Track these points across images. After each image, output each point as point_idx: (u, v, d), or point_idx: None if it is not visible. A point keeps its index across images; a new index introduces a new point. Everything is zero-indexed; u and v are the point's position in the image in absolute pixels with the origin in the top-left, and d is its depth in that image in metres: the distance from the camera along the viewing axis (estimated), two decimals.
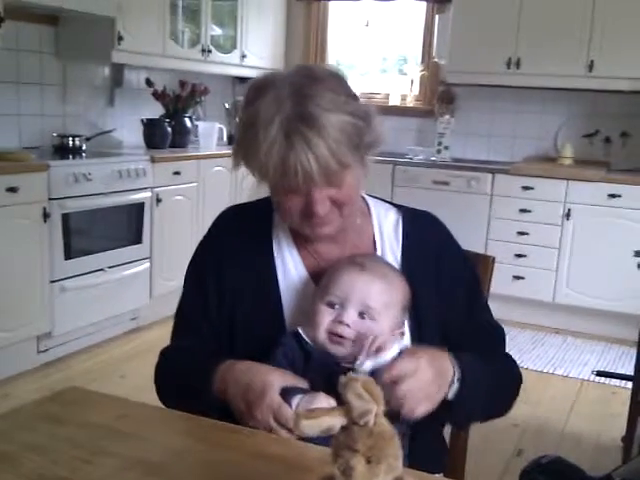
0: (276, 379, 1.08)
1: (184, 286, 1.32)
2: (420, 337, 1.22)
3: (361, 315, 1.15)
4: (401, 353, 1.09)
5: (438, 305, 1.24)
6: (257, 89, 1.12)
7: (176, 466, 0.96)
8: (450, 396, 1.11)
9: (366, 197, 1.32)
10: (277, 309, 1.23)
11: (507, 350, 1.32)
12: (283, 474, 0.95)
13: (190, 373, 1.19)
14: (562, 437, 2.92)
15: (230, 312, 1.25)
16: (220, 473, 0.95)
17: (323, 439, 0.85)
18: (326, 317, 1.15)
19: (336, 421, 0.81)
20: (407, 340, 1.20)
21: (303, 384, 1.10)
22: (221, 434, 1.06)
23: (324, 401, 1.04)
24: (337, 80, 1.14)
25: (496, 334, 1.31)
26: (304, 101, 1.07)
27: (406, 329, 1.21)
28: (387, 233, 1.28)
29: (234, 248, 1.27)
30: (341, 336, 1.13)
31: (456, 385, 1.11)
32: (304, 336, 1.16)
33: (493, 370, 1.20)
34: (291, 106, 1.07)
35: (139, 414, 1.13)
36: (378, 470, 0.79)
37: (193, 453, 1.01)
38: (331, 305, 1.16)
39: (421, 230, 1.29)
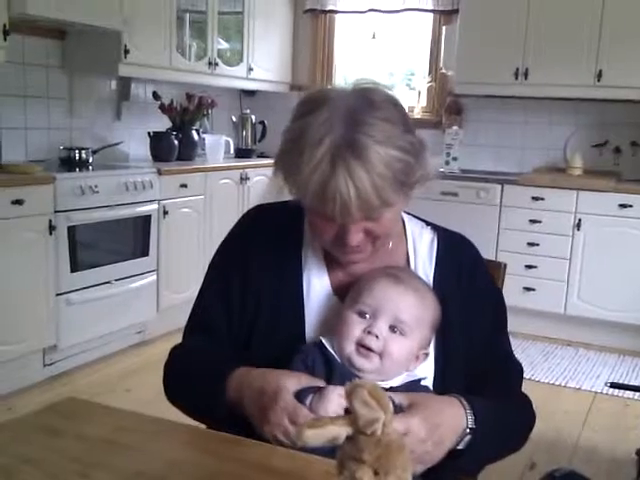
0: (290, 382, 1.04)
1: (205, 284, 1.29)
2: (445, 358, 1.19)
3: (392, 329, 1.11)
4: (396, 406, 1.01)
5: (466, 327, 1.21)
6: (310, 103, 1.06)
7: (175, 479, 0.93)
8: (462, 445, 1.07)
9: (402, 214, 1.27)
10: (298, 318, 1.20)
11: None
12: None
13: (204, 375, 1.16)
14: (575, 450, 2.86)
15: (252, 316, 1.21)
16: None
17: (329, 449, 0.81)
18: (356, 326, 1.11)
19: (342, 430, 0.77)
20: (430, 362, 1.17)
21: (320, 383, 1.06)
22: (222, 446, 1.02)
23: (335, 395, 1.00)
24: (394, 108, 1.07)
25: (514, 370, 1.28)
26: (356, 128, 1.01)
27: (431, 350, 1.18)
28: (421, 253, 1.25)
29: (262, 250, 1.24)
30: (369, 349, 1.09)
31: (469, 437, 1.07)
32: (328, 347, 1.12)
33: (508, 416, 1.17)
34: (342, 131, 1.01)
35: (137, 426, 1.10)
36: None
37: (193, 465, 0.98)
38: (362, 315, 1.12)
39: (454, 252, 1.26)
